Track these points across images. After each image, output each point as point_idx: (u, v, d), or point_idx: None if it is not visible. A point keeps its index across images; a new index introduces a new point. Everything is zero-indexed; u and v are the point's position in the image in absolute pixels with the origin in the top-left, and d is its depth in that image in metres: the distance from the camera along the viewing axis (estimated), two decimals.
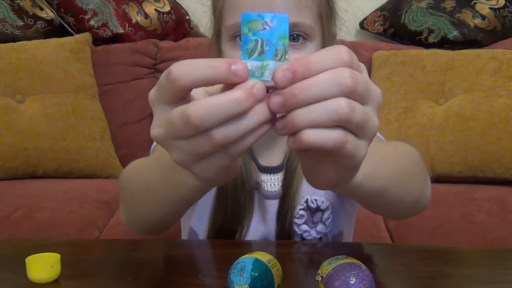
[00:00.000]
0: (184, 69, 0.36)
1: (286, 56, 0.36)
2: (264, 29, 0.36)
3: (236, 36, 0.70)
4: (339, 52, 0.35)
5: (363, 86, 0.35)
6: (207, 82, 0.35)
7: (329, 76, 0.34)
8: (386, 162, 0.54)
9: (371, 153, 0.42)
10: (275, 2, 0.67)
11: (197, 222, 0.78)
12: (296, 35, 0.69)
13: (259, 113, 0.36)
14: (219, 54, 0.75)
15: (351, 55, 0.35)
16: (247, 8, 0.67)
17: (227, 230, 0.75)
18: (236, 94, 0.35)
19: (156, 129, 0.39)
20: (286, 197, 0.74)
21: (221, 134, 0.35)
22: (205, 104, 0.35)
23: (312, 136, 0.35)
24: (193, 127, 0.35)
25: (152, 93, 0.39)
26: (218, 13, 0.73)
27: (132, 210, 0.64)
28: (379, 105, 0.38)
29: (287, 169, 0.75)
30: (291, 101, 0.35)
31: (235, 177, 0.71)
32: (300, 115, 0.35)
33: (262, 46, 0.36)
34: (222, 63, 0.35)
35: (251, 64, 0.36)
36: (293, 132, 0.36)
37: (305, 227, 0.74)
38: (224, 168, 0.39)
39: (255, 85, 0.35)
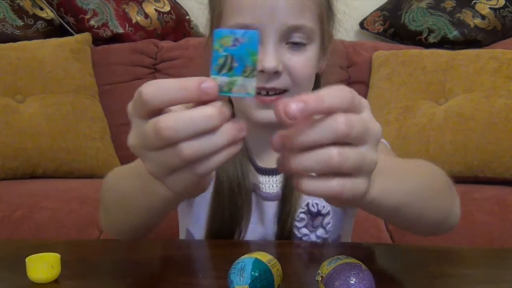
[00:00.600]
0: (154, 90, 0.37)
1: (254, 73, 0.37)
2: (235, 45, 0.37)
3: None
4: (346, 95, 0.36)
5: (359, 130, 0.36)
6: (179, 102, 0.37)
7: (325, 122, 0.36)
8: (404, 179, 0.55)
9: (388, 169, 0.45)
10: (277, 3, 0.66)
11: (194, 224, 0.78)
12: (296, 41, 0.68)
13: (229, 131, 0.37)
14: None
15: (352, 94, 0.37)
16: (248, 9, 0.67)
17: (225, 233, 0.75)
18: (209, 110, 0.36)
19: (132, 139, 0.40)
20: (287, 199, 0.74)
21: (190, 149, 0.36)
22: (177, 116, 0.36)
23: (310, 187, 0.37)
24: (164, 138, 0.36)
25: (129, 105, 0.40)
26: (217, 14, 0.73)
27: (109, 216, 0.65)
28: (379, 140, 0.39)
29: (288, 174, 0.75)
30: (289, 144, 0.37)
31: (231, 180, 0.71)
32: (295, 162, 0.37)
33: (231, 62, 0.37)
34: (192, 83, 0.36)
35: (220, 79, 0.37)
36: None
37: (305, 230, 0.73)
38: (193, 184, 0.40)
39: (224, 106, 0.37)
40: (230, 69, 0.37)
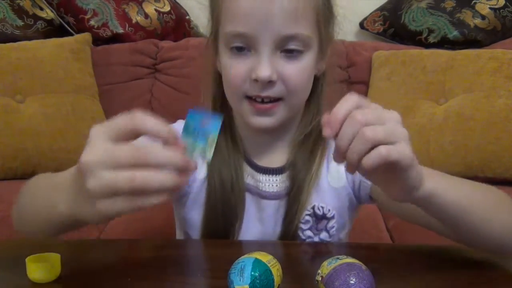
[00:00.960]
0: (143, 119, 0.44)
1: (213, 145, 0.47)
2: (203, 124, 0.47)
3: (232, 47, 0.69)
4: (352, 99, 0.48)
5: (374, 116, 0.48)
6: (156, 138, 0.44)
7: (348, 122, 0.47)
8: (460, 183, 0.62)
9: (440, 175, 0.58)
10: (271, 13, 0.65)
11: (190, 227, 0.78)
12: (292, 49, 0.67)
13: (180, 178, 0.44)
14: (215, 54, 0.74)
15: (359, 98, 0.49)
16: (243, 18, 0.66)
17: (220, 232, 0.75)
18: (177, 157, 0.44)
19: (89, 156, 0.43)
20: (295, 200, 0.73)
21: (143, 177, 0.42)
22: (157, 147, 0.43)
23: (368, 161, 0.47)
24: (135, 157, 0.42)
25: (98, 128, 0.45)
26: (216, 15, 0.72)
27: (20, 216, 0.67)
28: (399, 118, 0.50)
29: (293, 174, 0.75)
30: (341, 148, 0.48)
31: (224, 180, 0.74)
32: (350, 153, 0.47)
33: (197, 136, 0.47)
34: (168, 134, 0.44)
35: (187, 141, 0.47)
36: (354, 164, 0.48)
37: (309, 233, 0.73)
38: (122, 212, 0.43)
39: (191, 162, 0.44)
40: (196, 137, 0.47)
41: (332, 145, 0.75)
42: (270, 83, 0.67)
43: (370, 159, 0.46)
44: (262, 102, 0.69)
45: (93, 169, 0.42)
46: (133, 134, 0.44)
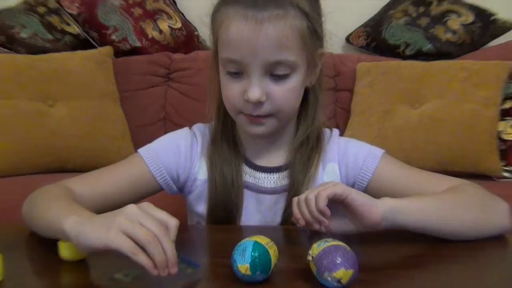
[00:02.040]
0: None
1: (197, 268, 0.54)
2: (188, 263, 0.54)
3: (228, 73, 0.69)
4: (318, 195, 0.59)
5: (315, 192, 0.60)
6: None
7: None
8: (421, 202, 0.65)
9: (408, 200, 0.64)
10: (258, 43, 0.64)
11: (198, 218, 0.79)
12: (279, 74, 0.67)
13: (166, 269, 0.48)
14: (216, 70, 0.73)
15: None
16: (235, 47, 0.66)
17: (224, 223, 0.75)
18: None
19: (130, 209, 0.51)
20: (294, 194, 0.72)
21: (155, 245, 0.48)
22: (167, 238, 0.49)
23: (319, 204, 0.59)
24: (156, 232, 0.48)
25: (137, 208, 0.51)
26: (215, 40, 0.71)
27: (29, 215, 0.66)
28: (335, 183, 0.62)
29: (293, 173, 0.75)
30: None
31: (226, 178, 0.75)
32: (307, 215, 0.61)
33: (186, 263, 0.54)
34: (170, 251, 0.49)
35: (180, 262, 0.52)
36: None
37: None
38: (120, 251, 0.47)
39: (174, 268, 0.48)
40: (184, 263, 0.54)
41: (327, 150, 0.77)
42: (259, 103, 0.67)
43: (320, 202, 0.58)
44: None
45: (131, 216, 0.49)
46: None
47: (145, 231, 0.47)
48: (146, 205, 0.51)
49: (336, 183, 0.61)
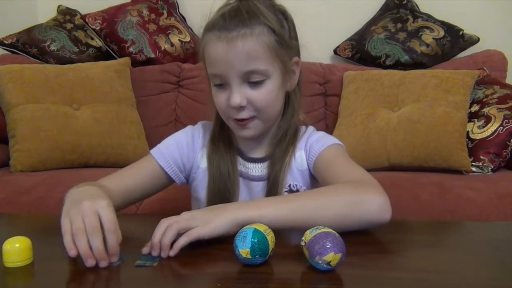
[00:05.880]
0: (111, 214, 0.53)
1: (155, 263, 0.52)
2: (151, 258, 0.54)
3: (215, 85, 0.71)
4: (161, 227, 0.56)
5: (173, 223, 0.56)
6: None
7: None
8: (284, 204, 0.60)
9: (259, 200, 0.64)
10: (232, 57, 0.66)
11: (200, 205, 0.79)
12: (255, 81, 0.68)
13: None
14: (210, 84, 0.74)
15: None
16: (216, 63, 0.68)
17: None
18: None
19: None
20: (275, 181, 0.75)
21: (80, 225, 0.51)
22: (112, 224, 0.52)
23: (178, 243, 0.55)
24: (90, 229, 0.51)
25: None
26: (202, 58, 0.72)
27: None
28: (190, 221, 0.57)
29: (272, 162, 0.76)
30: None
31: (222, 169, 0.76)
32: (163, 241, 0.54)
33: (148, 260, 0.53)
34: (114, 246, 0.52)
35: (142, 261, 0.53)
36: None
37: None
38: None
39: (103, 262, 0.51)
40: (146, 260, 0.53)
41: (300, 142, 0.76)
42: (241, 107, 0.69)
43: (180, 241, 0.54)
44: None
45: (80, 210, 0.52)
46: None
47: (79, 224, 0.50)
48: (105, 205, 0.53)
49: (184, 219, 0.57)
